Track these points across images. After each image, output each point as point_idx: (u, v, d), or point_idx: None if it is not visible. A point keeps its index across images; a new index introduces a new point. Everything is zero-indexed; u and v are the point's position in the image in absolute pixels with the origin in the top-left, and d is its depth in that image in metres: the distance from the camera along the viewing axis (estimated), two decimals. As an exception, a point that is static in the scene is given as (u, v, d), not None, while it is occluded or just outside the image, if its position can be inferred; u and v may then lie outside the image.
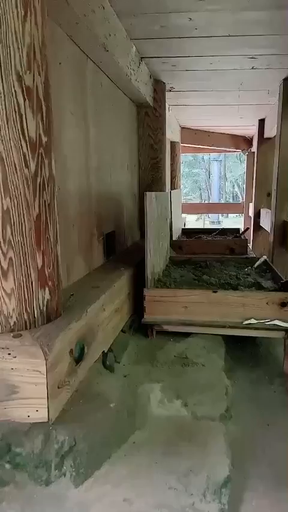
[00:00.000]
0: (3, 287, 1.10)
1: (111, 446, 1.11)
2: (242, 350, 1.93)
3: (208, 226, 12.75)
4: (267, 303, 1.82)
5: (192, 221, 12.77)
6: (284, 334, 1.80)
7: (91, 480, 1.02)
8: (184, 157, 16.74)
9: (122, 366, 1.63)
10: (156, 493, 0.99)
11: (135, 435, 1.19)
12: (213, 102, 3.68)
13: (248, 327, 1.83)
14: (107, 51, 1.78)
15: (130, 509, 0.94)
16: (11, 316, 1.12)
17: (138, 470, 1.06)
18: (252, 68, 2.64)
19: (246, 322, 1.83)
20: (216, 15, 1.87)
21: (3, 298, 1.11)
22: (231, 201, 19.59)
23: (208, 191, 20.65)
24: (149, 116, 2.99)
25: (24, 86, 1.04)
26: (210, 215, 14.37)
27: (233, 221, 14.15)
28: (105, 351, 1.55)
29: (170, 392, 1.42)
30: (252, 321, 1.83)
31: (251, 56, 2.42)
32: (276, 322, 1.82)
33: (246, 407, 1.48)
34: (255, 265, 2.60)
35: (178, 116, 4.50)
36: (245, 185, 6.01)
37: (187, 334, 1.89)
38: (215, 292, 1.89)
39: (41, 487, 0.98)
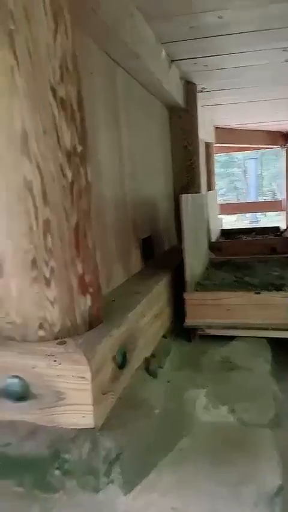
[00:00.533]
0: (46, 295, 1.13)
1: (157, 454, 1.09)
2: (289, 354, 1.85)
3: (246, 225, 12.48)
4: (314, 304, 1.74)
5: (231, 222, 12.56)
6: None
7: (139, 488, 1.00)
8: (218, 158, 16.55)
9: (165, 372, 1.61)
10: (204, 503, 0.96)
11: (182, 442, 1.17)
12: (246, 99, 3.60)
13: (295, 328, 1.76)
14: (137, 58, 1.79)
15: (180, 518, 0.92)
16: (55, 324, 1.14)
17: (185, 479, 1.04)
18: (286, 61, 2.56)
19: (293, 323, 1.76)
20: (245, 11, 1.84)
21: (47, 307, 1.13)
22: (269, 199, 19.07)
23: (245, 190, 20.24)
24: (181, 118, 2.97)
25: (58, 97, 1.07)
26: (248, 214, 14.07)
27: (273, 219, 13.77)
28: (148, 357, 1.54)
29: (215, 398, 1.39)
30: (299, 322, 1.76)
31: (283, 49, 2.35)
32: None
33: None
34: (299, 264, 2.50)
35: (211, 116, 4.45)
36: (285, 181, 5.83)
37: (231, 338, 1.85)
38: (257, 293, 1.84)
39: (90, 494, 0.98)
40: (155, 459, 1.09)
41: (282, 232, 3.88)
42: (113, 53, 1.72)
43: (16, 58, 1.01)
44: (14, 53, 1.01)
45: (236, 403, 1.35)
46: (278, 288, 2.03)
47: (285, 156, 5.56)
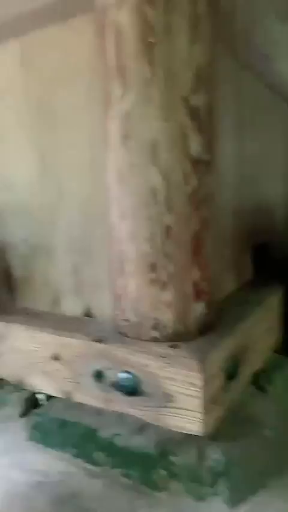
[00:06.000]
0: (162, 298, 1.16)
1: (268, 475, 1.04)
2: None
3: None
4: None
5: None
6: None
7: (246, 506, 0.97)
8: None
9: (275, 389, 1.53)
10: None
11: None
12: None
13: None
14: (268, 60, 1.73)
15: None
16: (169, 327, 1.17)
17: (296, 508, 0.97)
18: None
19: None
20: None
21: (162, 309, 1.16)
22: None
23: None
24: (308, 121, 2.77)
25: (189, 107, 1.08)
26: None
27: None
28: (258, 372, 1.48)
29: None
30: None
31: None
32: None
33: None
34: None
35: None
36: None
37: None
38: None
39: (194, 501, 0.98)
40: (264, 480, 1.04)
41: None
42: (243, 57, 1.69)
43: (153, 69, 1.06)
44: (152, 64, 1.05)
45: None
46: None
47: None
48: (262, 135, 2.16)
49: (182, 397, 1.06)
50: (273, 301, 1.77)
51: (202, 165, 1.14)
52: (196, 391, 1.04)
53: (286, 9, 1.68)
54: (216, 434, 1.07)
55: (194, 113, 1.09)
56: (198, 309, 1.19)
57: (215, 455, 0.99)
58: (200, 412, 1.03)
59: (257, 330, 1.51)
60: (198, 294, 1.19)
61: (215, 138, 1.36)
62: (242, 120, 1.86)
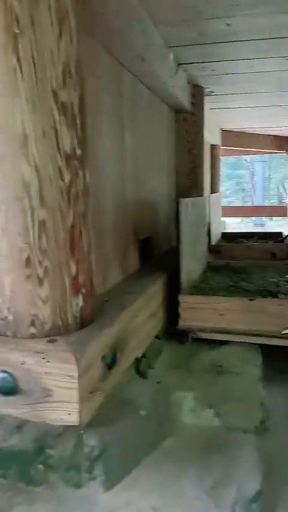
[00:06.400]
0: (39, 294, 1.15)
1: (140, 453, 1.12)
2: (280, 360, 1.87)
3: (251, 229, 12.44)
4: (307, 312, 1.76)
5: (235, 224, 12.52)
6: None
7: (120, 486, 1.03)
8: (226, 159, 16.47)
9: (155, 372, 1.64)
10: (184, 504, 0.99)
11: (166, 443, 1.20)
12: (254, 104, 3.61)
13: (287, 336, 1.78)
14: (144, 61, 1.81)
15: (157, 517, 0.95)
16: (46, 322, 1.17)
17: (167, 479, 1.06)
18: (294, 69, 2.57)
19: (285, 331, 1.78)
20: (253, 20, 1.85)
21: (39, 305, 1.16)
22: (276, 202, 18.99)
23: (252, 193, 20.18)
24: (187, 121, 2.99)
25: (59, 102, 1.09)
26: (253, 218, 14.03)
27: (278, 224, 13.72)
28: (139, 357, 1.57)
29: (203, 401, 1.41)
30: (291, 330, 1.78)
31: (291, 57, 2.36)
32: None
33: (282, 420, 1.43)
34: (297, 271, 2.51)
35: (218, 119, 4.46)
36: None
37: (223, 342, 1.87)
38: (252, 300, 1.85)
39: (72, 489, 1.01)
40: (138, 458, 1.12)
41: (284, 238, 3.89)
42: (120, 56, 1.74)
43: (19, 61, 1.03)
44: (17, 55, 1.03)
45: (222, 407, 1.37)
46: (273, 295, 2.05)
47: (291, 162, 5.56)
48: (145, 134, 2.26)
49: (60, 391, 1.07)
50: (155, 290, 1.89)
51: (75, 161, 1.15)
52: (73, 382, 1.06)
53: (159, 13, 1.78)
54: (94, 421, 1.11)
55: (64, 108, 1.10)
56: (77, 302, 1.21)
57: (90, 441, 1.02)
58: (77, 403, 1.06)
59: (138, 318, 1.60)
60: (76, 288, 1.21)
61: (92, 133, 1.39)
62: (125, 119, 1.93)
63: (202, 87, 2.97)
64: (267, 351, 1.84)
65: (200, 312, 1.89)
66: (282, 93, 3.21)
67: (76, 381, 1.05)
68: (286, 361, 1.89)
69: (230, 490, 1.01)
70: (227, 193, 20.06)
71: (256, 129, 5.11)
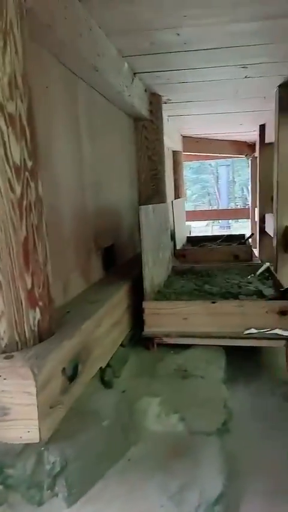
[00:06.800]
0: (-7, 309, 1.13)
1: (104, 464, 1.11)
2: (244, 360, 1.92)
3: (217, 231, 12.69)
4: (266, 312, 1.81)
5: (201, 227, 12.74)
6: (285, 343, 1.79)
7: (84, 499, 1.02)
8: (191, 164, 16.76)
9: (121, 381, 1.64)
10: (148, 511, 0.99)
11: (130, 452, 1.19)
12: (211, 111, 3.70)
13: (249, 337, 1.82)
14: (97, 71, 1.82)
15: (121, 529, 0.94)
16: (2, 338, 1.14)
17: (131, 488, 1.06)
18: (246, 77, 2.65)
19: (247, 332, 1.82)
20: (203, 29, 1.90)
21: (-6, 320, 1.13)
22: (240, 205, 19.48)
23: (217, 196, 20.61)
24: (146, 128, 3.02)
25: (6, 113, 1.07)
26: (219, 220, 14.33)
27: (243, 226, 14.07)
28: (103, 367, 1.56)
29: (168, 406, 1.42)
30: (253, 330, 1.82)
31: (242, 66, 2.44)
32: (277, 331, 1.80)
33: (245, 420, 1.46)
34: (258, 272, 2.58)
35: (178, 126, 4.54)
36: (250, 190, 6.00)
37: (188, 346, 1.89)
38: (213, 302, 1.89)
39: (34, 507, 0.99)
40: (102, 470, 1.11)
41: (246, 240, 3.99)
42: (72, 66, 1.74)
43: None
44: None
45: (187, 411, 1.38)
46: (235, 296, 2.10)
47: (250, 166, 5.73)
48: (104, 142, 2.27)
49: (18, 408, 1.05)
50: (119, 298, 1.89)
51: (26, 172, 1.14)
52: (31, 398, 1.04)
53: (110, 23, 1.80)
54: (55, 436, 1.09)
55: (12, 120, 1.09)
56: (34, 316, 1.19)
57: (51, 457, 1.01)
58: (36, 419, 1.04)
59: (102, 328, 1.59)
60: (32, 302, 1.19)
61: (45, 143, 1.38)
62: (81, 127, 1.93)
63: (159, 95, 3.02)
64: (231, 352, 1.88)
65: (164, 318, 1.91)
66: (237, 101, 3.31)
67: (34, 397, 1.03)
68: (249, 361, 1.94)
69: (193, 494, 1.02)
70: (193, 197, 20.41)
71: (215, 135, 5.24)
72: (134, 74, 2.49)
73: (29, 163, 1.15)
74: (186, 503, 1.00)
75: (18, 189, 1.12)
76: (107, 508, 1.01)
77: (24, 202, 1.14)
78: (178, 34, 1.94)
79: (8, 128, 1.08)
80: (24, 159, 1.13)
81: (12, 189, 1.10)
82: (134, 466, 1.14)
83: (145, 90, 2.85)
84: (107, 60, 1.94)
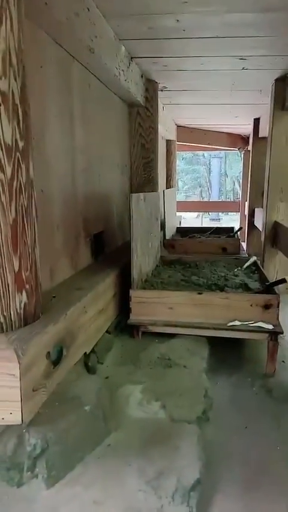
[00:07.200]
0: (-21, 291, 1.11)
1: (84, 449, 1.12)
2: (226, 352, 1.95)
3: (207, 223, 12.74)
4: (251, 305, 1.83)
5: (192, 218, 12.76)
6: (267, 336, 1.82)
7: (63, 482, 1.03)
8: (184, 154, 16.69)
9: (105, 367, 1.65)
10: (126, 496, 1.01)
11: (110, 438, 1.21)
12: (207, 101, 3.67)
13: (232, 328, 1.84)
14: (93, 53, 1.78)
15: (98, 511, 0.96)
16: (-13, 320, 1.13)
17: (110, 473, 1.08)
18: (243, 69, 2.64)
19: (231, 324, 1.85)
20: (203, 17, 1.87)
21: (-20, 302, 1.12)
22: (231, 198, 19.54)
23: (208, 188, 20.62)
24: (141, 115, 2.98)
25: (-1, 91, 1.05)
26: (210, 212, 14.37)
27: (233, 219, 14.13)
28: (87, 352, 1.56)
29: (150, 394, 1.44)
30: (236, 322, 1.84)
31: (240, 57, 2.41)
32: (260, 324, 1.83)
33: (225, 410, 1.49)
34: (245, 266, 2.61)
35: (173, 115, 4.50)
36: (241, 183, 6.02)
37: (172, 335, 1.91)
38: (199, 293, 1.90)
39: (13, 488, 1.00)
40: (82, 454, 1.12)
41: (234, 233, 4.01)
42: (68, 47, 1.70)
43: None
44: None
45: (168, 399, 1.40)
46: (221, 289, 2.12)
47: (242, 159, 5.73)
48: (97, 127, 2.24)
49: (1, 390, 1.04)
50: (105, 285, 1.88)
51: (17, 153, 1.12)
52: (15, 381, 1.04)
53: (109, 5, 1.76)
54: (37, 418, 1.09)
55: (4, 98, 1.06)
56: (20, 299, 1.19)
57: (32, 439, 1.01)
58: (19, 402, 1.04)
59: (87, 314, 1.59)
60: (19, 284, 1.18)
61: (37, 124, 1.35)
62: (75, 110, 1.89)
63: (156, 82, 2.98)
64: (214, 343, 1.91)
65: (150, 306, 1.92)
66: (233, 92, 3.29)
67: (18, 379, 1.03)
68: (232, 352, 1.97)
69: (170, 479, 1.04)
70: (185, 188, 20.37)
71: (210, 126, 5.22)
72: (131, 58, 2.45)
73: (21, 144, 1.13)
74: (164, 488, 1.02)
75: (8, 170, 1.10)
76: (86, 491, 1.02)
77: (15, 184, 1.12)
78: (177, 20, 1.91)
79: (0, 106, 1.06)
80: (16, 140, 1.11)
81: (2, 170, 1.08)
82: (113, 451, 1.16)
83: (141, 76, 2.81)
84: (103, 42, 1.90)
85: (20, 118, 1.13)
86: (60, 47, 1.69)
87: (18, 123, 1.12)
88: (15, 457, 1.00)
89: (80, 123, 1.96)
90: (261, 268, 2.50)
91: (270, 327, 1.81)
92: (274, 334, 1.79)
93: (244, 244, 4.49)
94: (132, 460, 1.11)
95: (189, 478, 1.04)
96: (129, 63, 2.43)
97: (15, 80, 1.10)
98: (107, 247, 2.47)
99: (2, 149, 1.07)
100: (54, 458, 1.02)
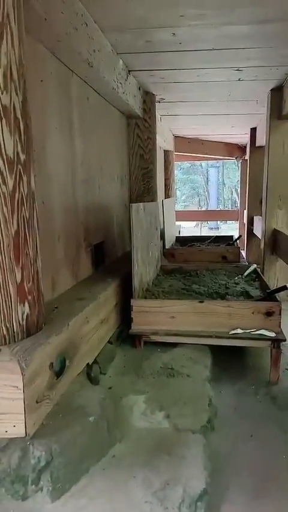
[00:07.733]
0: (-18, 303, 1.12)
1: (89, 460, 1.11)
2: (229, 360, 1.94)
3: (206, 232, 12.77)
4: (253, 313, 1.83)
5: (190, 228, 12.79)
6: (270, 344, 1.81)
7: (68, 495, 1.02)
8: (181, 164, 16.80)
9: (107, 378, 1.64)
10: (132, 507, 1.00)
11: (115, 448, 1.20)
12: (204, 112, 3.72)
13: (235, 336, 1.84)
14: (92, 66, 1.81)
15: (105, 523, 0.95)
16: (-10, 331, 1.13)
17: (115, 484, 1.07)
18: (239, 80, 2.68)
19: (233, 332, 1.84)
20: (199, 30, 1.91)
21: (-17, 314, 1.12)
22: (229, 207, 19.62)
23: (206, 198, 20.71)
24: (139, 127, 3.02)
25: (0, 105, 1.07)
26: (208, 221, 14.42)
27: (232, 227, 14.18)
28: (90, 363, 1.56)
29: (154, 404, 1.43)
30: (239, 330, 1.84)
31: (236, 68, 2.46)
32: (262, 331, 1.83)
33: (229, 418, 1.48)
34: (245, 273, 2.61)
35: (171, 126, 4.55)
36: (239, 192, 6.06)
37: (175, 345, 1.90)
38: (201, 302, 1.90)
39: (18, 501, 0.99)
40: (86, 465, 1.11)
41: (234, 241, 4.02)
42: (67, 61, 1.73)
43: None
44: None
45: (172, 409, 1.40)
46: (222, 297, 2.12)
47: (240, 168, 5.78)
48: (97, 139, 2.26)
49: (4, 402, 1.04)
50: (107, 295, 1.89)
51: (18, 165, 1.13)
52: (18, 392, 1.03)
53: (107, 19, 1.79)
54: (41, 430, 1.09)
55: (5, 112, 1.08)
56: (23, 310, 1.19)
57: (36, 452, 1.00)
58: (23, 414, 1.04)
59: (89, 325, 1.59)
60: (22, 296, 1.18)
61: (38, 137, 1.37)
62: (75, 123, 1.92)
63: (153, 94, 3.02)
64: (217, 352, 1.90)
65: (152, 316, 1.92)
66: (230, 103, 3.33)
67: (21, 391, 1.03)
68: (235, 360, 1.96)
69: (176, 490, 1.03)
70: (183, 198, 20.47)
71: (207, 136, 5.27)
72: (129, 71, 2.48)
73: (22, 157, 1.15)
74: (170, 499, 1.01)
75: (10, 182, 1.11)
76: (91, 503, 1.01)
77: (16, 196, 1.13)
78: (174, 34, 1.95)
79: (1, 119, 1.07)
80: (18, 152, 1.13)
81: (4, 182, 1.09)
82: (118, 462, 1.15)
83: (139, 88, 2.85)
84: (102, 56, 1.93)
85: (22, 131, 1.14)
86: (59, 61, 1.72)
87: (19, 136, 1.13)
88: (19, 470, 1.00)
89: (80, 135, 1.98)
90: (262, 275, 2.50)
91: (272, 334, 1.81)
92: (277, 342, 1.79)
93: (244, 252, 4.50)
94: (138, 470, 1.10)
95: (195, 488, 1.03)
96: (127, 76, 2.47)
97: (17, 94, 1.12)
98: (107, 258, 2.48)
99: (4, 162, 1.09)
100: (59, 470, 1.01)
